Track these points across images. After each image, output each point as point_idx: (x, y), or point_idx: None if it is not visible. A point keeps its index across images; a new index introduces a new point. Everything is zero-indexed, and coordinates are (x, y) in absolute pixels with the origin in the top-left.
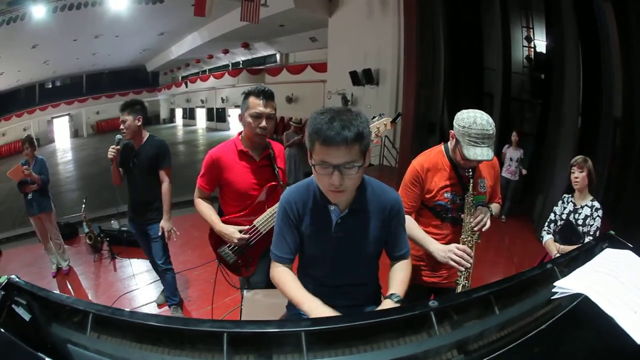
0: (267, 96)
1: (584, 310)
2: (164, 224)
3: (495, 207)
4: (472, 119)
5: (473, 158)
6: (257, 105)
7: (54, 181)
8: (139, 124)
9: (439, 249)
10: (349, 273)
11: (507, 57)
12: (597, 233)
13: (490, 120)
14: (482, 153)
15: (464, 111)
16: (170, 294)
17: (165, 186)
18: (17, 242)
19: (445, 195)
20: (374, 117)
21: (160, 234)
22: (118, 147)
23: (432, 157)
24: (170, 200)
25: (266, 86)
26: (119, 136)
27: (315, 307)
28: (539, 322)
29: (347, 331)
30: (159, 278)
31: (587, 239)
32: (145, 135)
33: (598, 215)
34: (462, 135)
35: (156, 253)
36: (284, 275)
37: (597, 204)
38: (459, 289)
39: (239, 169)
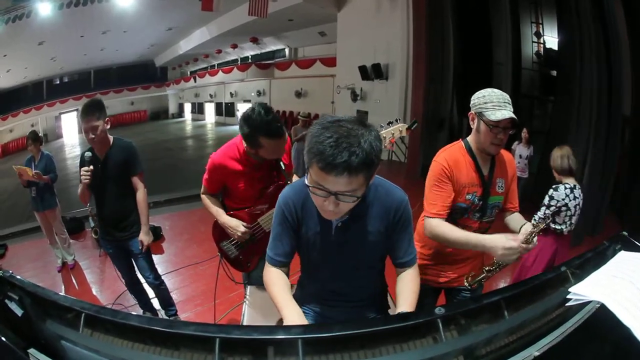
0: (282, 134)
1: (600, 318)
2: (143, 237)
3: (519, 219)
4: (490, 91)
5: (501, 118)
6: (274, 145)
7: (61, 176)
8: (109, 127)
9: (499, 246)
10: (352, 277)
11: (517, 53)
12: None
13: None
14: (508, 114)
15: (478, 92)
16: (168, 305)
17: (141, 194)
18: (23, 237)
19: (467, 196)
20: (390, 123)
21: (140, 248)
22: (92, 167)
23: (454, 152)
24: (147, 210)
25: (268, 112)
26: (88, 153)
27: (291, 316)
28: (550, 327)
29: (346, 339)
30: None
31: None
32: (110, 139)
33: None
34: (485, 104)
35: (144, 268)
36: (273, 276)
37: None
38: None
39: (243, 176)
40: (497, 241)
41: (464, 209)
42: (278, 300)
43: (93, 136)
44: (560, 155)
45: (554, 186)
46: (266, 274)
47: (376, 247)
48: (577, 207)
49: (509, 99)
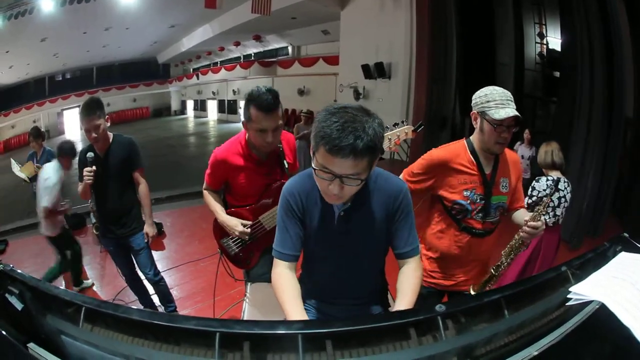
0: (271, 108)
1: (600, 318)
2: (148, 229)
3: (524, 213)
4: (491, 88)
5: (505, 116)
6: (261, 119)
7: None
8: (109, 124)
9: None
10: (353, 271)
11: (520, 53)
12: None
13: None
14: (512, 112)
15: (479, 90)
16: (167, 302)
17: (143, 188)
18: (24, 233)
19: (465, 193)
20: (396, 124)
21: (145, 241)
22: (94, 168)
23: (454, 150)
24: (150, 203)
25: (269, 91)
26: (90, 154)
27: None
28: (550, 327)
29: (346, 336)
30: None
31: None
32: (110, 136)
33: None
34: (487, 103)
35: (144, 264)
36: (283, 280)
37: None
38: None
39: (245, 172)
40: None
41: (465, 208)
42: (285, 308)
43: (96, 135)
44: (545, 151)
45: (536, 178)
46: (274, 276)
47: (378, 238)
48: (562, 199)
49: (511, 96)
